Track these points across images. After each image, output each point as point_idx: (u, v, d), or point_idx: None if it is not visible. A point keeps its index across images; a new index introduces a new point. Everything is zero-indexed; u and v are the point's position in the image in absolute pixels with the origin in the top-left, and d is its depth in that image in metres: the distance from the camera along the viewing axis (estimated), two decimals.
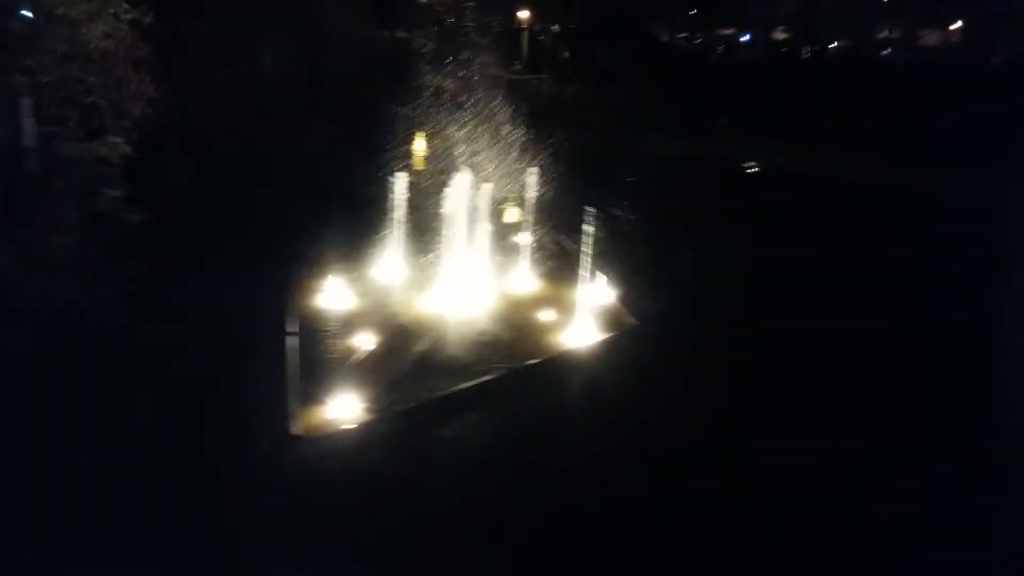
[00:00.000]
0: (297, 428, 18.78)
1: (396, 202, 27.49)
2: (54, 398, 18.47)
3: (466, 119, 31.03)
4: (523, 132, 32.61)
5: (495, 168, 29.23)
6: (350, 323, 24.71)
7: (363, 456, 18.45)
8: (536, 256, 29.02)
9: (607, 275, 26.89)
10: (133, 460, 16.89)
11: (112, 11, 21.59)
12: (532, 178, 28.94)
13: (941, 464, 18.52)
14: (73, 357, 19.84)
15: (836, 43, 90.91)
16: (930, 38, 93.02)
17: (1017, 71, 71.69)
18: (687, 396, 21.88)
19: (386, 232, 28.14)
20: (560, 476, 18.27)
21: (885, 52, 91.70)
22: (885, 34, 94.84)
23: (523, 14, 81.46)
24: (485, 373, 22.07)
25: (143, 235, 22.02)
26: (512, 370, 22.44)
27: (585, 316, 25.04)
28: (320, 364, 21.90)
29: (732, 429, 20.34)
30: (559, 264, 29.16)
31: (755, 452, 19.30)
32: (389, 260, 28.22)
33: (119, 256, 21.63)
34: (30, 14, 20.66)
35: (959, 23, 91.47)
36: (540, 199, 28.94)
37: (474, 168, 27.57)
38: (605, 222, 26.68)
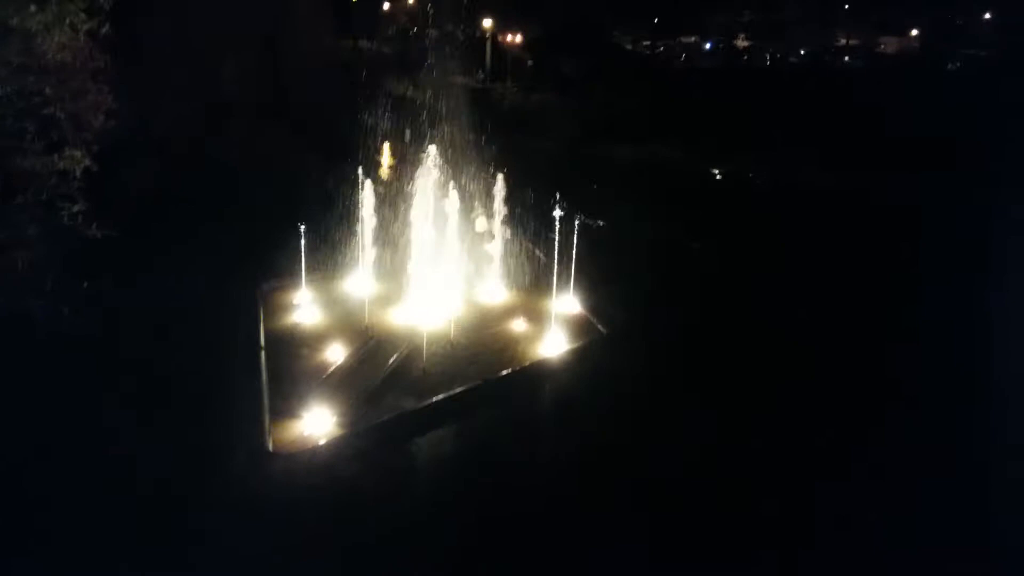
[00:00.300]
0: (270, 443, 18.56)
1: (363, 211, 27.29)
2: (17, 412, 18.03)
3: (430, 127, 30.84)
4: (488, 141, 32.50)
5: (460, 177, 29.07)
6: (321, 336, 24.49)
7: (337, 471, 18.18)
8: (505, 264, 28.89)
9: (575, 283, 26.94)
10: (103, 476, 16.59)
11: (69, 21, 21.09)
12: (499, 187, 28.87)
13: None
14: (36, 372, 19.46)
15: (802, 51, 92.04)
16: (889, 45, 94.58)
17: (971, 77, 73.40)
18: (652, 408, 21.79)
19: (353, 242, 27.88)
20: (534, 490, 18.08)
21: (846, 59, 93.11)
22: (844, 41, 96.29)
23: (487, 23, 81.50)
24: (457, 385, 21.92)
25: (106, 248, 21.57)
26: (484, 381, 22.31)
27: (554, 325, 25.02)
28: (292, 378, 21.71)
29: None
30: (528, 272, 29.05)
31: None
32: (358, 271, 27.96)
33: (82, 270, 21.21)
34: None
35: (915, 32, 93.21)
36: (507, 207, 28.88)
37: (439, 177, 27.43)
38: (571, 230, 26.67)
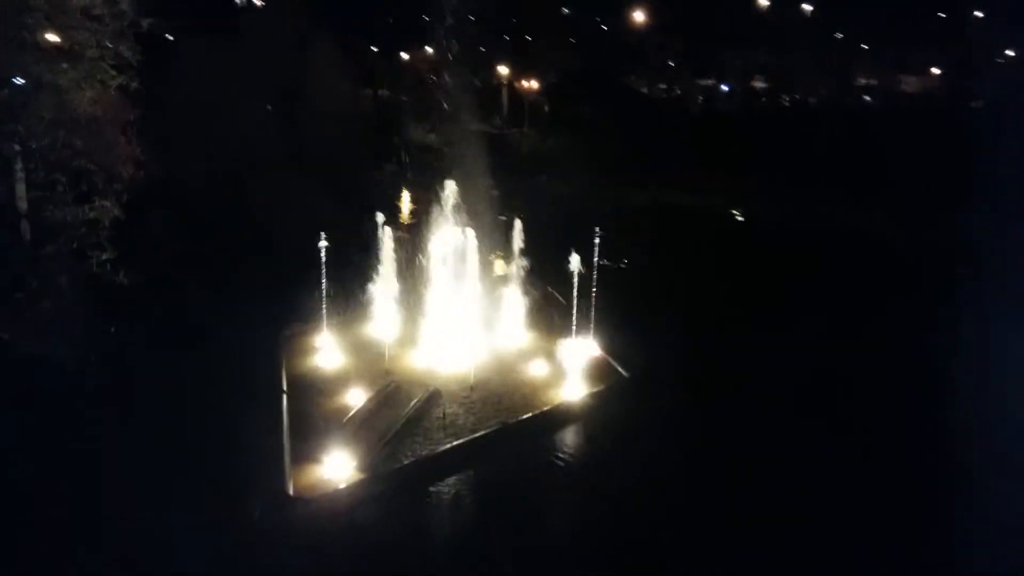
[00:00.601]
0: (291, 487, 18.74)
1: (384, 257, 27.69)
2: (45, 457, 18.48)
3: (449, 173, 31.38)
4: (506, 185, 32.85)
5: (479, 222, 29.43)
6: (341, 380, 24.69)
7: (357, 515, 18.39)
8: (524, 307, 29.06)
9: (595, 325, 27.02)
10: (129, 518, 16.93)
11: (99, 77, 21.88)
12: (517, 231, 29.18)
13: None
14: (64, 418, 19.85)
15: (821, 90, 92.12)
16: (909, 84, 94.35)
17: (997, 115, 73.01)
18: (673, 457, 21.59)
19: (375, 287, 28.19)
20: (552, 544, 18.19)
21: (866, 99, 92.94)
22: (863, 81, 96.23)
23: (503, 70, 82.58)
24: (476, 429, 22.03)
25: (133, 296, 22.09)
26: (503, 425, 22.37)
27: (574, 368, 25.10)
28: (312, 422, 21.93)
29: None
30: (547, 315, 29.20)
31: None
32: (379, 315, 28.23)
33: (109, 318, 21.72)
34: (21, 81, 20.96)
35: (936, 70, 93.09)
36: (525, 251, 29.16)
37: (459, 222, 27.82)
38: (591, 272, 26.84)
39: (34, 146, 20.94)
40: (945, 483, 20.02)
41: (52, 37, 21.44)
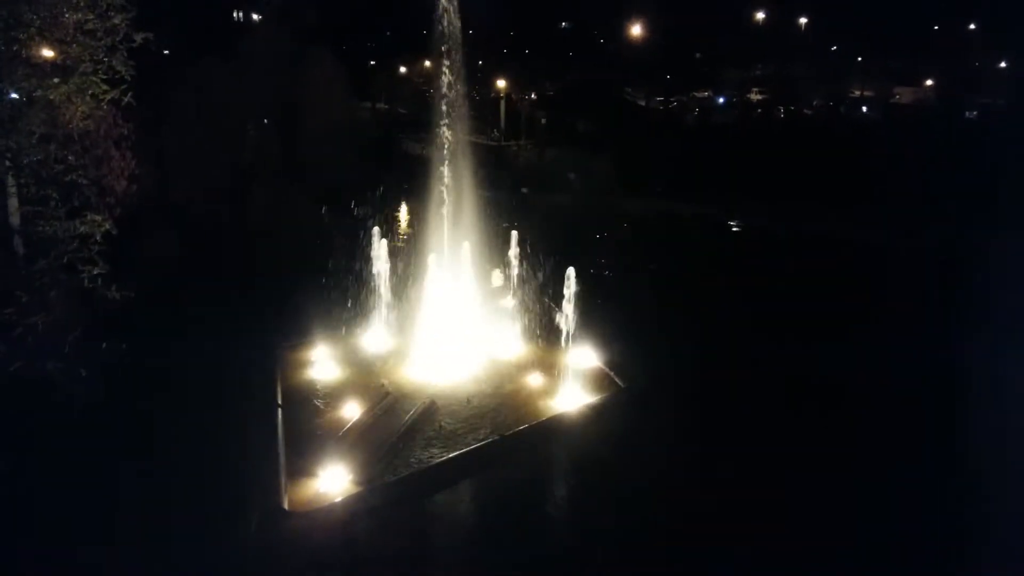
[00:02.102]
0: (286, 501, 18.58)
1: (379, 270, 27.60)
2: (35, 473, 18.41)
3: (445, 185, 31.40)
4: (503, 196, 32.84)
5: (475, 233, 29.40)
6: (337, 393, 24.56)
7: (353, 528, 18.21)
8: (521, 318, 28.96)
9: (592, 336, 26.87)
10: (121, 533, 16.83)
11: (92, 92, 21.81)
12: (514, 242, 29.11)
13: None
14: (54, 433, 19.71)
15: (815, 102, 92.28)
16: (904, 95, 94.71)
17: (990, 125, 73.14)
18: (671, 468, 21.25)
19: (370, 300, 28.13)
20: (552, 550, 18.03)
21: (864, 110, 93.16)
22: (858, 92, 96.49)
23: (501, 83, 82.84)
24: (473, 441, 21.86)
25: (125, 310, 21.98)
26: (500, 437, 22.19)
27: (572, 379, 24.94)
28: (308, 436, 21.79)
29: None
30: (544, 326, 29.06)
31: None
32: (374, 328, 28.15)
33: (100, 332, 21.56)
34: (15, 95, 20.88)
35: (930, 81, 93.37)
36: (523, 262, 29.09)
37: (455, 234, 27.75)
38: (588, 282, 26.70)
39: (26, 161, 20.82)
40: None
41: (45, 52, 21.33)
